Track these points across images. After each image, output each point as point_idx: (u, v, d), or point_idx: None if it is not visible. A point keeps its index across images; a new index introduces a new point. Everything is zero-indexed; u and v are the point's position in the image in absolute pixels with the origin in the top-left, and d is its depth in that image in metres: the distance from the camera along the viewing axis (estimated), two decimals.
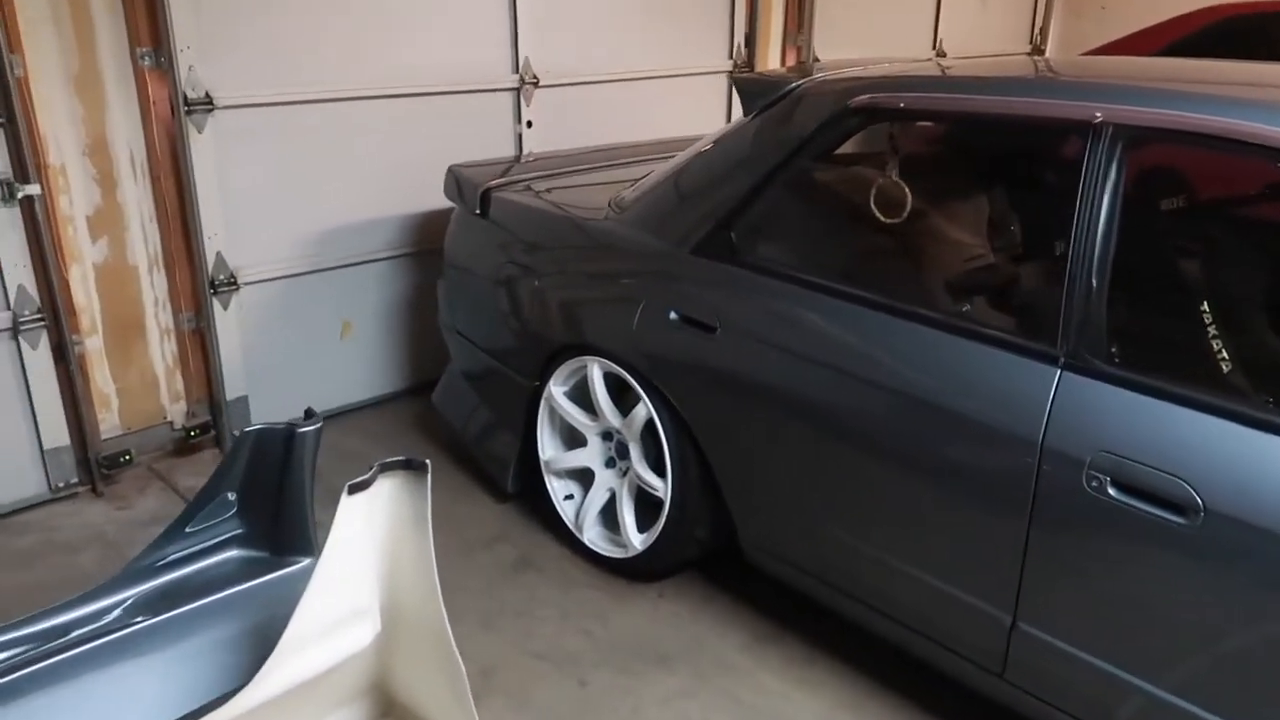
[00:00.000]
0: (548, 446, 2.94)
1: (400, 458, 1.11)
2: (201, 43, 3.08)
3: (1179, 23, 5.07)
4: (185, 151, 3.12)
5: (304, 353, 3.65)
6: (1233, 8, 4.93)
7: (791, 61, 5.22)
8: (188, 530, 1.15)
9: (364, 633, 1.07)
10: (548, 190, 3.18)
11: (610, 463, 2.82)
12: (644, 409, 2.58)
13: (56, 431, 3.11)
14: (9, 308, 2.92)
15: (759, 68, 4.91)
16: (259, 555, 1.18)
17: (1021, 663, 1.95)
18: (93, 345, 3.20)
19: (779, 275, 2.31)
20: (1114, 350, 1.77)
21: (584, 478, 2.91)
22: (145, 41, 3.02)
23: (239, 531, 1.19)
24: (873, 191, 2.31)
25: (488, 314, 3.12)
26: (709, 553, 2.70)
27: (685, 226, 2.51)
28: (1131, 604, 1.75)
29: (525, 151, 4.01)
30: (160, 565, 1.12)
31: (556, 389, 2.85)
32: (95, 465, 3.19)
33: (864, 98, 2.22)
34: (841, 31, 5.32)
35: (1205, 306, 1.90)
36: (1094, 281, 1.79)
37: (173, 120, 3.10)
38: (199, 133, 3.15)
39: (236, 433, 3.49)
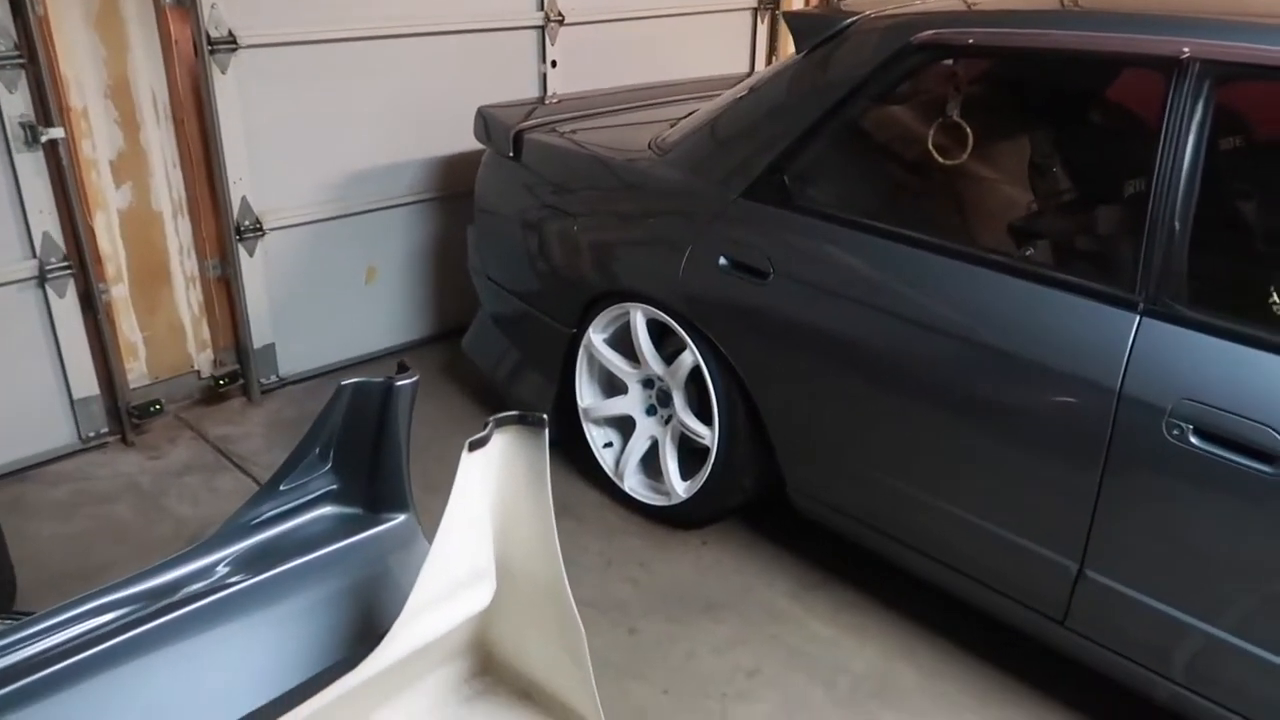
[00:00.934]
0: (586, 394, 2.90)
1: (515, 412, 1.07)
2: None
3: None
4: (209, 93, 3.03)
5: (330, 299, 3.60)
6: None
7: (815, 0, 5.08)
8: (282, 488, 1.12)
9: (483, 594, 1.05)
10: (582, 131, 3.09)
11: (651, 410, 2.79)
12: (690, 356, 2.54)
13: (86, 381, 3.07)
14: (35, 255, 2.86)
15: (784, 6, 4.77)
16: (354, 512, 1.15)
17: (1085, 610, 1.94)
18: (119, 293, 3.14)
19: (836, 220, 2.25)
20: (1196, 295, 1.73)
21: (623, 425, 2.88)
22: None
23: (333, 488, 1.15)
24: (933, 132, 2.24)
25: (521, 259, 3.06)
26: (752, 500, 2.68)
27: (734, 169, 2.44)
28: (1208, 552, 1.73)
29: (550, 92, 3.91)
30: (257, 523, 1.09)
31: (596, 336, 2.80)
32: (125, 415, 3.15)
33: (928, 33, 2.13)
34: None
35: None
36: (1176, 225, 1.74)
37: (196, 61, 3.01)
38: (222, 73, 3.05)
39: (263, 380, 3.47)
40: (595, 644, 2.30)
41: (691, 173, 2.56)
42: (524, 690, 1.14)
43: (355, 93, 3.41)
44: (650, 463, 2.81)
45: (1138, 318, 1.77)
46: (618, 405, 2.83)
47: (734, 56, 4.65)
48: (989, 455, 2.01)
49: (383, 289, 3.75)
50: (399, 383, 1.11)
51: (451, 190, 3.74)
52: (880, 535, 2.31)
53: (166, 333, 3.30)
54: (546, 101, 3.63)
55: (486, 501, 1.04)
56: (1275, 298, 1.94)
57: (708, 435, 2.56)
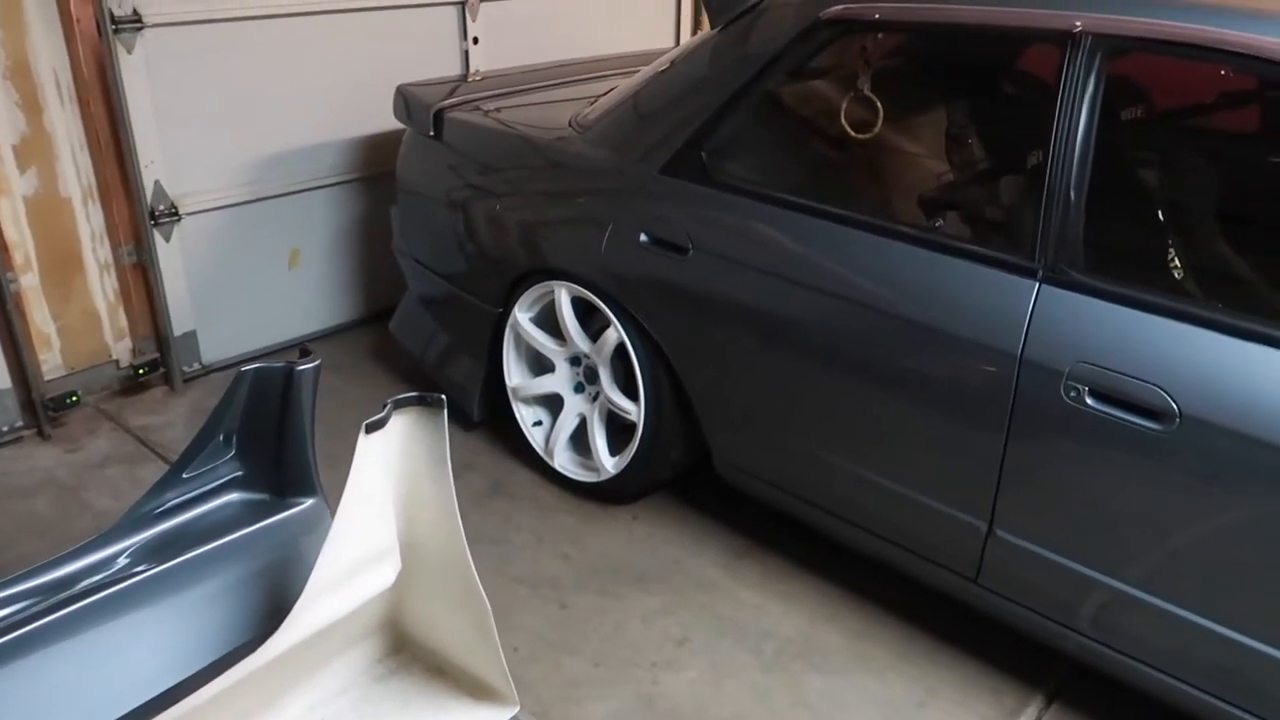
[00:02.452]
0: (514, 373, 2.91)
1: (414, 394, 1.08)
2: None
3: None
4: (115, 74, 2.94)
5: (253, 284, 3.54)
6: None
7: None
8: (185, 475, 1.11)
9: (386, 573, 1.05)
10: (502, 110, 3.07)
11: (579, 388, 2.81)
12: (615, 333, 2.56)
13: None
14: None
15: None
16: (260, 498, 1.14)
17: (996, 568, 2.02)
18: (28, 283, 3.05)
19: (751, 194, 2.28)
20: (1091, 261, 1.79)
21: (552, 403, 2.89)
22: None
23: (239, 474, 1.15)
24: (845, 107, 2.27)
25: (445, 240, 3.04)
26: (680, 473, 2.72)
27: (653, 146, 2.46)
28: (1107, 508, 1.80)
29: (473, 69, 3.87)
30: (160, 512, 1.08)
31: (521, 315, 2.81)
32: (41, 407, 3.07)
33: (837, 8, 2.16)
34: None
35: (1178, 217, 1.93)
36: (1072, 194, 1.80)
37: (100, 40, 2.91)
38: (128, 53, 2.97)
39: (185, 368, 3.40)
40: (527, 620, 2.34)
41: (611, 150, 2.56)
42: (436, 667, 1.15)
43: (271, 72, 3.34)
44: (580, 440, 2.83)
45: (1037, 284, 1.83)
46: (545, 384, 2.85)
47: (660, 32, 4.65)
48: (902, 421, 2.06)
49: (307, 272, 3.70)
50: (300, 367, 1.10)
51: (375, 170, 3.69)
52: (804, 503, 2.36)
53: (81, 322, 3.21)
54: (468, 79, 3.59)
55: (388, 482, 1.04)
56: (1175, 261, 2.03)
57: (634, 411, 2.58)
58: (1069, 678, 2.19)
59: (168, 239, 3.25)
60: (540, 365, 2.88)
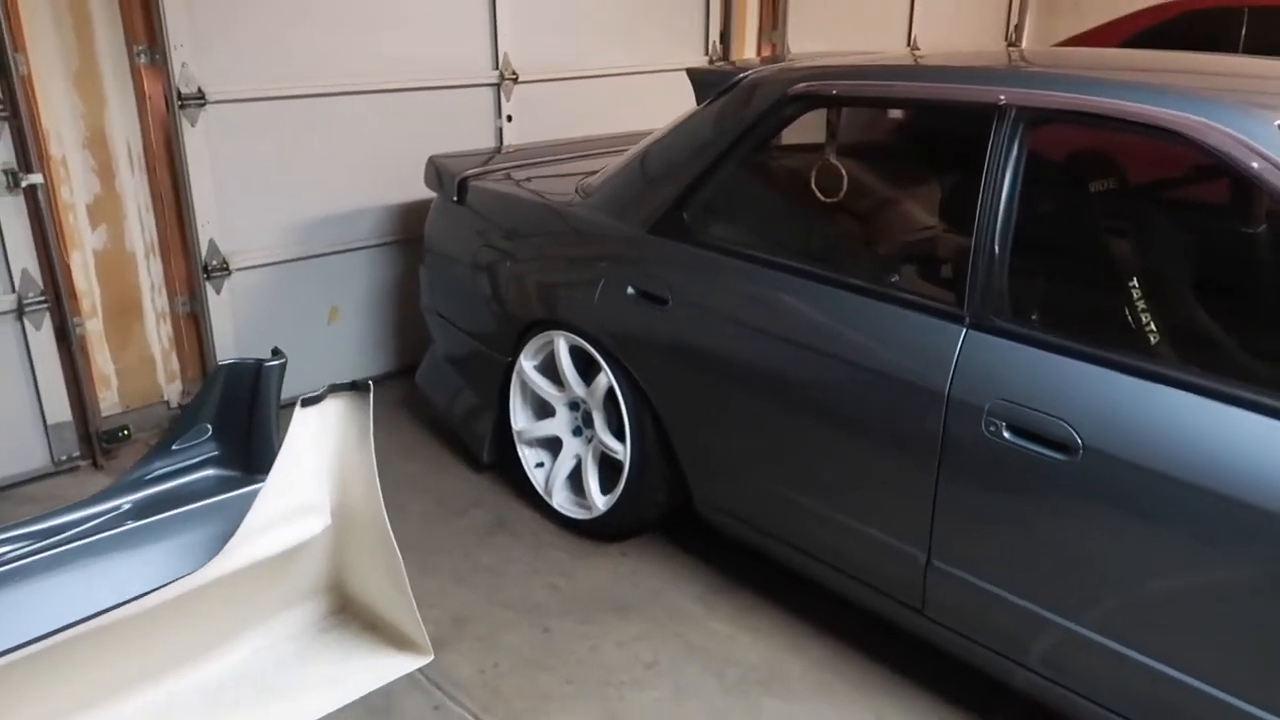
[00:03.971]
0: (519, 417, 3.13)
1: (347, 381, 1.30)
2: (194, 40, 3.28)
3: (1145, 15, 5.28)
4: (179, 144, 3.32)
5: (294, 335, 3.84)
6: (1191, 2, 5.13)
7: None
8: (173, 449, 1.34)
9: (315, 524, 1.25)
10: (522, 178, 3.37)
11: (577, 431, 3.02)
12: (605, 378, 2.77)
13: (59, 408, 3.31)
14: (14, 290, 3.12)
15: (737, 59, 5.09)
16: (232, 474, 1.36)
17: (937, 598, 2.14)
18: (93, 327, 3.40)
19: (725, 251, 2.50)
20: (1011, 310, 1.96)
21: (553, 446, 3.10)
22: (141, 39, 3.21)
23: (215, 453, 1.37)
24: (812, 173, 2.50)
25: (464, 295, 3.31)
26: (667, 514, 2.89)
27: (642, 208, 2.70)
28: (1025, 537, 1.94)
29: (506, 144, 4.20)
30: (146, 479, 1.31)
31: (527, 363, 3.04)
32: (96, 440, 3.38)
33: (801, 85, 2.41)
34: (817, 27, 5.51)
35: (1089, 270, 2.09)
36: (995, 249, 1.98)
37: (167, 114, 3.30)
38: (192, 126, 3.35)
39: None
40: (511, 640, 2.52)
41: (608, 213, 2.82)
42: (371, 624, 1.35)
43: (319, 144, 3.71)
44: (576, 481, 3.03)
45: (964, 330, 2.00)
46: (547, 427, 3.06)
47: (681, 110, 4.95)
48: (854, 458, 2.23)
49: (344, 327, 4.01)
50: (268, 364, 1.33)
51: (410, 235, 4.01)
52: (773, 539, 2.52)
53: (138, 364, 3.54)
54: (498, 152, 3.91)
55: (320, 452, 1.26)
56: (1084, 310, 2.14)
57: (622, 451, 2.78)
58: (1019, 713, 2.27)
59: (219, 291, 3.59)
60: (544, 410, 3.10)
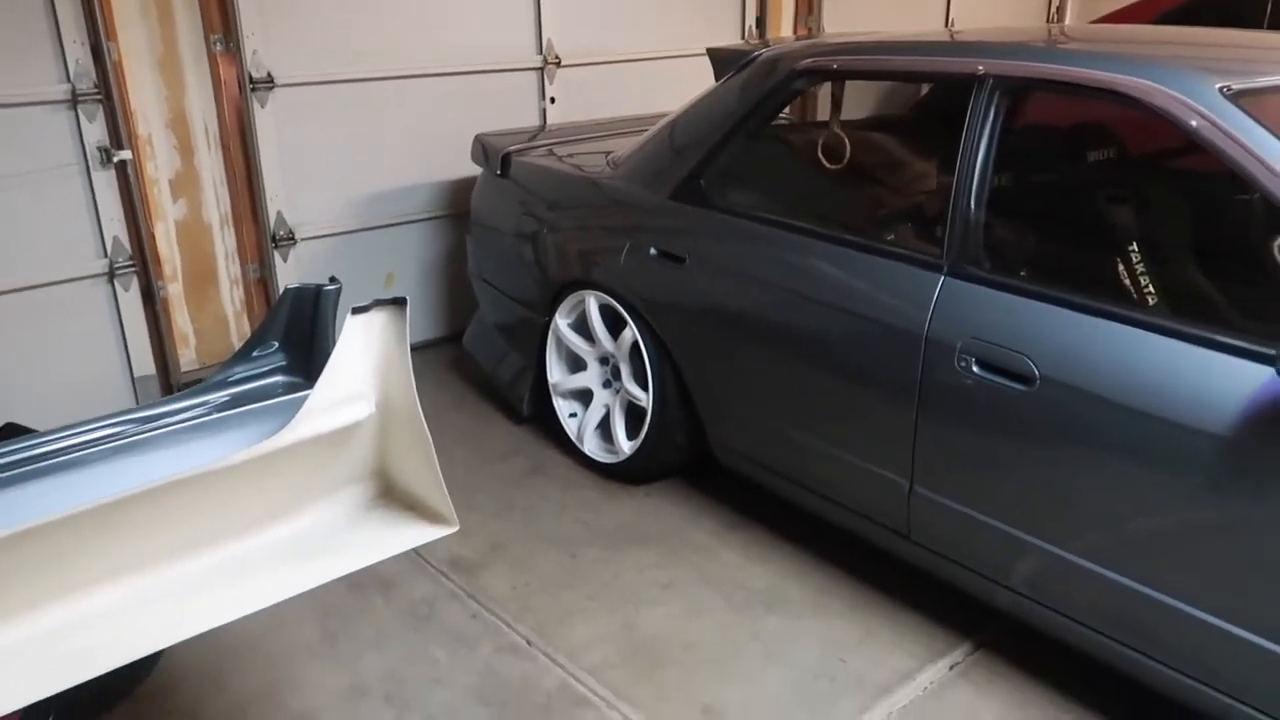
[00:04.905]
0: (555, 371, 3.42)
1: (388, 297, 1.59)
2: (264, 30, 3.62)
3: None
4: (250, 124, 3.66)
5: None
6: None
7: None
8: (252, 355, 1.63)
9: (362, 410, 1.53)
10: (560, 154, 3.64)
11: (606, 384, 3.29)
12: (630, 333, 3.04)
13: (145, 362, 3.68)
14: (106, 255, 3.49)
15: (772, 38, 5.30)
16: (296, 380, 1.65)
17: (921, 523, 2.37)
18: (174, 290, 3.76)
19: (736, 214, 2.74)
20: (982, 259, 2.18)
21: (584, 398, 3.38)
22: (217, 29, 3.56)
23: (283, 363, 1.66)
24: (818, 141, 2.73)
25: (506, 261, 3.60)
26: (687, 459, 3.14)
27: (664, 177, 2.96)
28: (993, 463, 2.16)
29: (548, 124, 4.48)
30: (226, 381, 1.60)
31: (561, 321, 3.32)
32: (176, 392, 3.74)
33: (807, 61, 2.64)
34: (853, 11, 5.67)
35: (1050, 224, 2.29)
36: (971, 205, 2.20)
37: (240, 97, 3.64)
38: (262, 108, 3.68)
39: None
40: (541, 565, 2.81)
41: (632, 182, 3.08)
42: (409, 505, 1.63)
43: (377, 124, 4.02)
44: (606, 429, 3.30)
45: (942, 277, 2.22)
46: (579, 380, 3.34)
47: None
48: (846, 397, 2.46)
49: (400, 293, 4.31)
50: (326, 288, 1.62)
51: (459, 209, 4.31)
52: (777, 476, 2.76)
53: (213, 324, 3.90)
54: (541, 130, 4.19)
55: (365, 352, 1.54)
56: (1046, 256, 2.34)
57: (645, 399, 3.04)
58: (1003, 631, 2.49)
59: (285, 259, 3.93)
60: (576, 365, 3.38)
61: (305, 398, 1.52)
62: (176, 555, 1.47)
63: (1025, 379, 2.04)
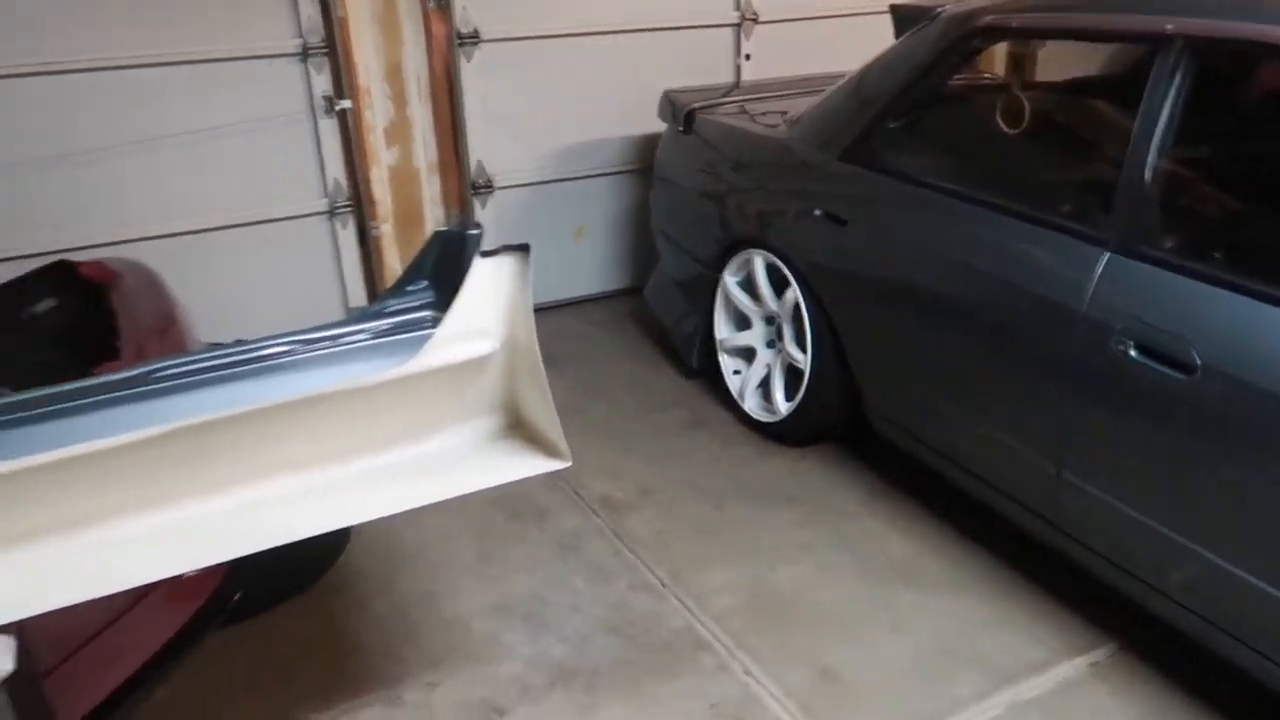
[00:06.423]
0: (722, 328, 3.48)
1: (514, 244, 1.72)
2: None
3: None
4: (457, 77, 3.92)
5: (545, 249, 4.32)
6: None
7: None
8: (405, 289, 1.82)
9: (488, 345, 1.67)
10: (746, 112, 3.66)
11: (770, 344, 3.32)
12: (793, 293, 3.05)
13: (358, 294, 4.07)
14: (327, 195, 3.87)
15: None
16: (441, 315, 1.82)
17: (1067, 510, 2.27)
18: (385, 230, 4.11)
19: (900, 176, 2.68)
20: (1150, 235, 2.03)
21: (748, 356, 3.43)
22: None
23: (430, 299, 1.83)
24: (995, 104, 2.61)
25: (684, 217, 3.68)
26: (844, 424, 3.13)
27: (835, 137, 2.92)
28: (1146, 454, 2.03)
29: (741, 81, 4.49)
30: (380, 312, 1.79)
31: (729, 278, 3.37)
32: None
33: (987, 19, 2.52)
34: None
35: (1233, 198, 2.08)
36: (1146, 178, 2.05)
37: (449, 51, 3.90)
38: (468, 61, 3.93)
39: None
40: (686, 511, 2.91)
41: (805, 141, 3.06)
42: (531, 437, 1.77)
43: (573, 79, 4.19)
44: (766, 389, 3.34)
45: (1106, 254, 2.09)
46: (744, 338, 3.39)
47: None
48: (999, 372, 2.38)
49: (588, 245, 4.52)
50: (470, 232, 1.76)
51: (648, 164, 4.41)
52: (927, 447, 2.71)
53: None
54: (730, 87, 4.21)
55: (492, 292, 1.67)
56: (1225, 236, 2.13)
57: (803, 360, 3.05)
58: (1156, 637, 2.33)
59: (484, 206, 4.19)
60: (743, 323, 3.43)
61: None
62: (332, 458, 1.68)
63: (1186, 368, 1.90)
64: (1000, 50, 2.99)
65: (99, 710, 1.91)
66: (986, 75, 3.27)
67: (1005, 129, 2.58)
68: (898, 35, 2.93)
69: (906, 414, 2.77)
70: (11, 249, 3.37)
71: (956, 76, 2.79)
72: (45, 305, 3.04)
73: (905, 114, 2.74)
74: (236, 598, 2.13)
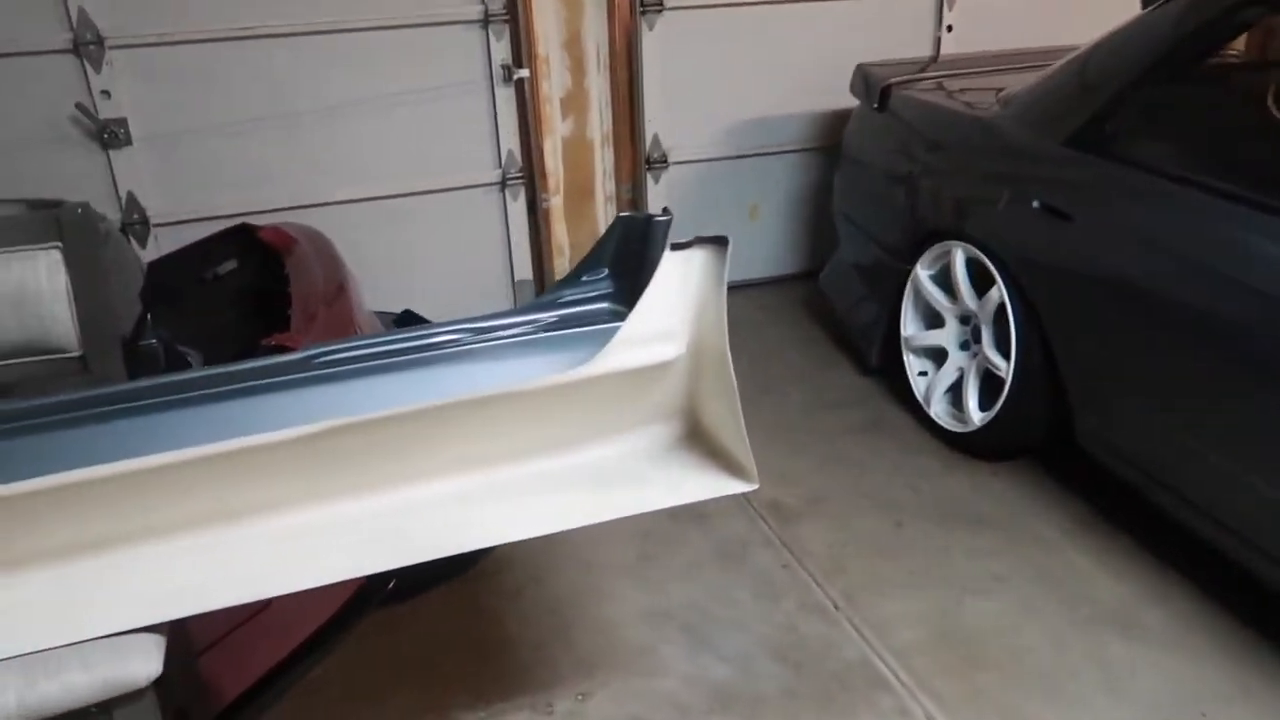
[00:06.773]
0: (910, 324, 3.19)
1: (711, 235, 1.52)
2: None
3: None
4: (637, 47, 3.74)
5: (717, 228, 4.03)
6: None
7: None
8: (581, 280, 1.65)
9: (673, 349, 1.49)
10: (947, 89, 3.33)
11: (964, 345, 3.01)
12: (997, 292, 2.73)
13: (524, 268, 3.99)
14: (500, 165, 3.78)
15: None
16: (621, 309, 1.64)
17: None
18: (555, 203, 4.00)
19: (1147, 168, 2.32)
20: None
21: (937, 356, 3.13)
22: None
23: (610, 290, 1.66)
24: (1271, 85, 2.22)
25: (872, 200, 3.40)
26: (1046, 441, 2.80)
27: (1061, 119, 2.58)
28: None
29: (941, 54, 4.13)
30: (556, 302, 1.64)
31: (922, 271, 3.08)
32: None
33: None
34: None
35: None
36: None
37: (630, 19, 3.72)
38: (649, 30, 3.74)
39: None
40: (862, 526, 2.67)
41: (1023, 123, 2.73)
42: (713, 451, 1.58)
43: (755, 50, 3.94)
44: (955, 394, 3.03)
45: None
46: (934, 337, 3.09)
47: None
48: (1248, 398, 2.02)
49: (762, 225, 4.28)
50: (657, 219, 1.58)
51: (830, 142, 4.12)
52: (1152, 480, 2.36)
53: (587, 240, 4.10)
54: (930, 61, 3.87)
55: (681, 290, 1.48)
56: None
57: (1005, 367, 2.74)
58: None
59: (656, 181, 4.02)
60: (933, 320, 3.12)
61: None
62: (493, 464, 1.54)
63: None
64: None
65: (254, 689, 1.87)
66: (1234, 54, 2.84)
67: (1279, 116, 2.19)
68: (1145, 4, 2.54)
69: (1127, 437, 2.42)
70: (203, 210, 3.45)
71: (1218, 54, 2.39)
72: (226, 267, 3.08)
73: (1154, 95, 2.37)
74: (392, 583, 2.05)
